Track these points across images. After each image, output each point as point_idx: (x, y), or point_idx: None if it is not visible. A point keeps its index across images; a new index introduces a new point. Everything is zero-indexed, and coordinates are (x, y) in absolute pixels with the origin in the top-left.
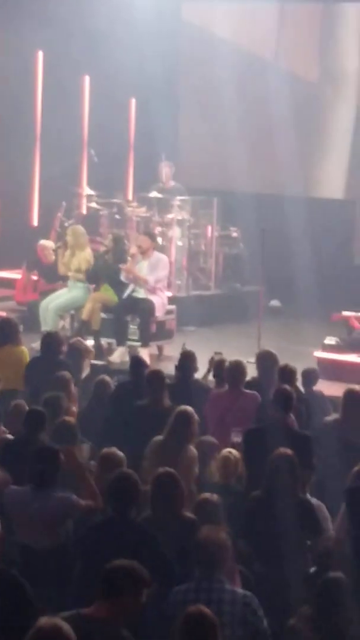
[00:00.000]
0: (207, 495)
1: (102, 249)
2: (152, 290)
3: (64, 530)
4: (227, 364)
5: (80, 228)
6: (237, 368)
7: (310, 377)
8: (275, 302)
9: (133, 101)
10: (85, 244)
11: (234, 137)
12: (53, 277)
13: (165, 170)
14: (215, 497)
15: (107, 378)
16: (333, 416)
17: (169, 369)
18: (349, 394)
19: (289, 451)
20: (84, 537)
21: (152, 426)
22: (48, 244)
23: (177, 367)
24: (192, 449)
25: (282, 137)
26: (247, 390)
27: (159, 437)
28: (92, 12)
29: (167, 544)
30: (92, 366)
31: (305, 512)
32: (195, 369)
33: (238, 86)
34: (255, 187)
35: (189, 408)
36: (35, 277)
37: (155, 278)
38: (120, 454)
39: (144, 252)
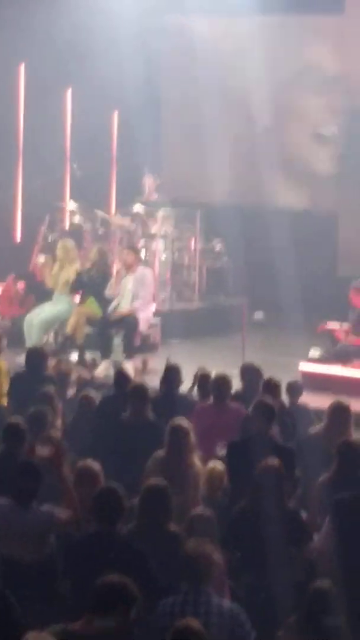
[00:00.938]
0: (199, 509)
1: (87, 263)
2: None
3: (48, 544)
4: (212, 377)
5: (71, 242)
6: (222, 381)
7: (294, 389)
8: (259, 315)
9: (116, 114)
10: (75, 258)
11: (217, 150)
12: (44, 296)
13: (149, 182)
14: (208, 511)
15: (91, 393)
16: (317, 428)
17: (154, 382)
18: (335, 406)
19: (275, 462)
20: (70, 552)
21: (134, 439)
22: (41, 262)
23: (162, 381)
24: (198, 464)
25: (265, 149)
26: (232, 403)
27: (160, 453)
28: (75, 25)
29: (151, 557)
30: (78, 380)
31: (293, 523)
32: (180, 382)
33: (220, 99)
34: (238, 199)
35: (183, 420)
36: (21, 289)
37: (140, 302)
38: (97, 466)
39: (129, 267)
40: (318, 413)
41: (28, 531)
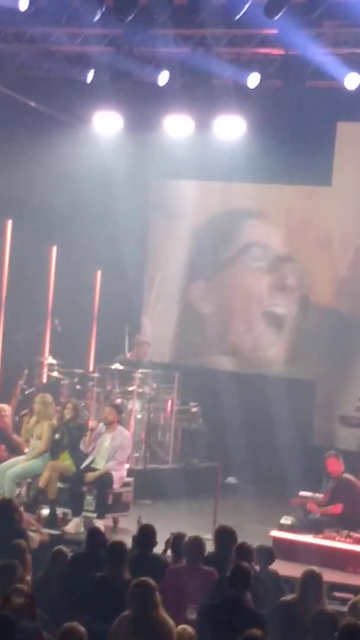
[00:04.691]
0: None
1: (63, 418)
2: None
3: None
4: (185, 539)
5: (49, 397)
6: (196, 544)
7: (265, 555)
8: (232, 479)
9: (99, 273)
10: (53, 414)
11: (198, 316)
12: (13, 448)
13: (131, 341)
14: None
15: (64, 548)
16: (290, 596)
17: (124, 541)
18: (308, 575)
19: (259, 633)
20: None
21: (111, 599)
22: (2, 407)
23: (137, 541)
24: (169, 620)
25: (247, 313)
26: (205, 567)
27: (127, 613)
28: (63, 183)
29: None
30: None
31: None
32: (154, 543)
33: (207, 267)
34: (216, 364)
35: (148, 579)
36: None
37: (115, 462)
38: (82, 629)
39: (109, 424)
40: (288, 581)
41: None
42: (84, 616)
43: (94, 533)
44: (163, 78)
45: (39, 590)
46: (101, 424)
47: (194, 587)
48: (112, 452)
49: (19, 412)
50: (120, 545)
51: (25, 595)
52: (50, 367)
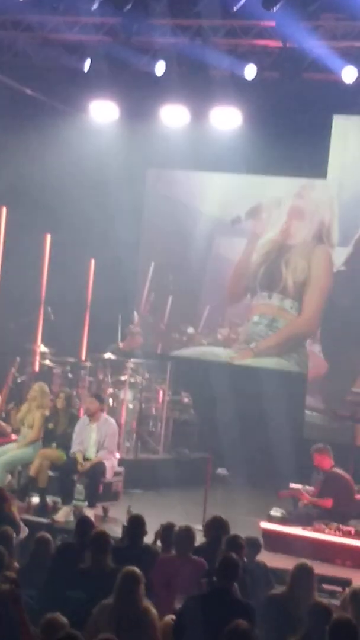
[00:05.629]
0: None
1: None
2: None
3: None
4: (176, 528)
5: (46, 386)
6: (186, 534)
7: (253, 547)
8: (222, 470)
9: (92, 262)
10: (47, 404)
11: (194, 305)
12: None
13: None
14: None
15: (47, 535)
16: (280, 589)
17: (113, 530)
18: (299, 567)
19: (245, 624)
20: None
21: (93, 588)
22: (7, 404)
23: (127, 531)
24: (152, 610)
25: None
26: (194, 557)
27: (109, 601)
28: (58, 171)
29: None
30: (35, 523)
31: None
32: (144, 533)
33: (202, 253)
34: (208, 355)
35: (136, 569)
36: None
37: (105, 452)
38: (64, 619)
39: (91, 415)
40: (276, 573)
41: None
42: (68, 605)
43: (82, 522)
44: (160, 68)
45: (24, 577)
46: (84, 416)
47: (183, 577)
48: (101, 442)
49: (10, 400)
50: (103, 534)
51: (10, 582)
52: (43, 356)
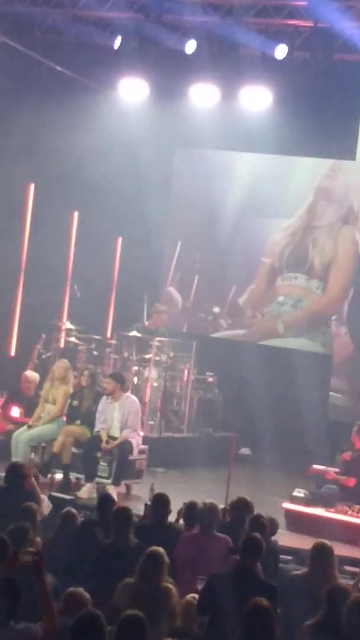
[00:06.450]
0: None
1: (81, 383)
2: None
3: None
4: (200, 505)
5: (69, 363)
6: (211, 511)
7: (271, 526)
8: (246, 450)
9: (120, 240)
10: (70, 380)
11: (220, 285)
12: (32, 412)
13: (150, 309)
14: None
15: (73, 511)
16: (301, 570)
17: (136, 508)
18: (318, 548)
19: (265, 602)
20: None
21: (116, 565)
22: (32, 376)
23: (150, 510)
24: (173, 590)
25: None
26: (219, 534)
27: (130, 580)
28: (86, 149)
29: None
30: (58, 499)
31: None
32: (169, 512)
33: (231, 233)
34: (233, 335)
35: (160, 549)
36: (17, 409)
37: (129, 431)
38: (87, 595)
39: (109, 394)
40: (298, 552)
41: None
42: (91, 581)
43: (104, 499)
44: (190, 46)
45: (48, 552)
46: (104, 397)
47: (207, 554)
48: (124, 420)
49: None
50: (125, 510)
51: (34, 554)
52: (68, 333)
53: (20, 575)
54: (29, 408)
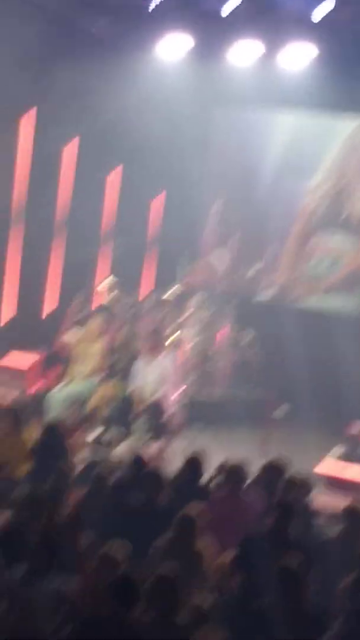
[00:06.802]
0: (198, 601)
1: (116, 342)
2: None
3: (54, 620)
4: (232, 466)
5: (101, 321)
6: (240, 471)
7: (304, 487)
8: (283, 409)
9: (163, 196)
10: (107, 339)
11: (259, 244)
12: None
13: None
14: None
15: (104, 472)
16: (334, 531)
17: (171, 467)
18: (351, 510)
19: (294, 563)
20: (76, 634)
21: (149, 525)
22: (69, 335)
23: (185, 468)
24: (206, 551)
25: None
26: (251, 495)
27: (163, 542)
28: (129, 104)
29: None
30: (92, 457)
31: (311, 623)
32: (202, 471)
33: (269, 193)
34: (275, 294)
35: (193, 510)
36: (53, 368)
37: (166, 388)
38: (121, 556)
39: (150, 351)
40: (333, 514)
41: (37, 606)
42: (124, 541)
43: (136, 460)
44: (231, 4)
45: (83, 511)
46: (140, 355)
47: (239, 514)
48: (161, 379)
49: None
50: (156, 472)
51: (69, 515)
52: (106, 290)
53: (57, 532)
54: (65, 366)
